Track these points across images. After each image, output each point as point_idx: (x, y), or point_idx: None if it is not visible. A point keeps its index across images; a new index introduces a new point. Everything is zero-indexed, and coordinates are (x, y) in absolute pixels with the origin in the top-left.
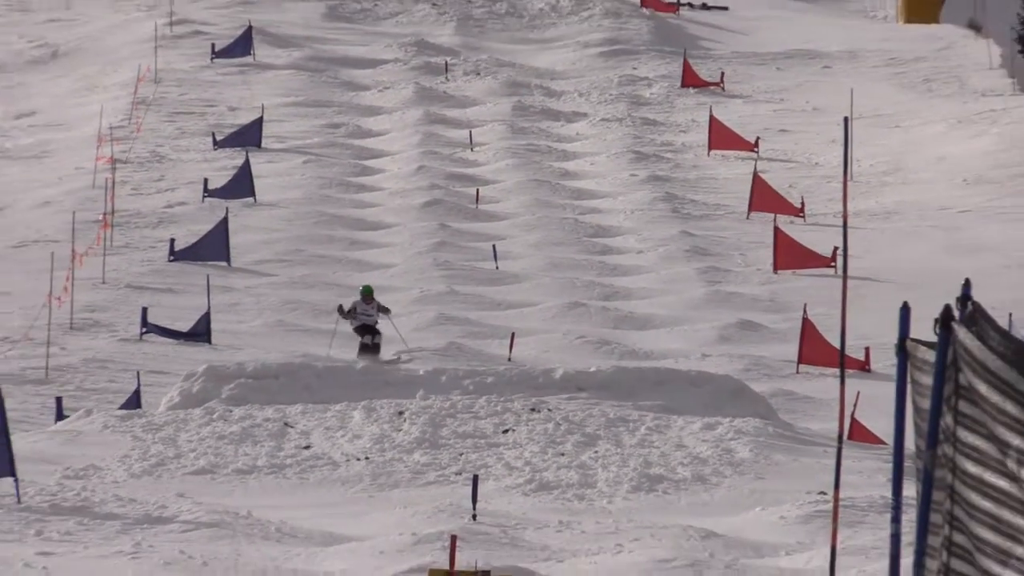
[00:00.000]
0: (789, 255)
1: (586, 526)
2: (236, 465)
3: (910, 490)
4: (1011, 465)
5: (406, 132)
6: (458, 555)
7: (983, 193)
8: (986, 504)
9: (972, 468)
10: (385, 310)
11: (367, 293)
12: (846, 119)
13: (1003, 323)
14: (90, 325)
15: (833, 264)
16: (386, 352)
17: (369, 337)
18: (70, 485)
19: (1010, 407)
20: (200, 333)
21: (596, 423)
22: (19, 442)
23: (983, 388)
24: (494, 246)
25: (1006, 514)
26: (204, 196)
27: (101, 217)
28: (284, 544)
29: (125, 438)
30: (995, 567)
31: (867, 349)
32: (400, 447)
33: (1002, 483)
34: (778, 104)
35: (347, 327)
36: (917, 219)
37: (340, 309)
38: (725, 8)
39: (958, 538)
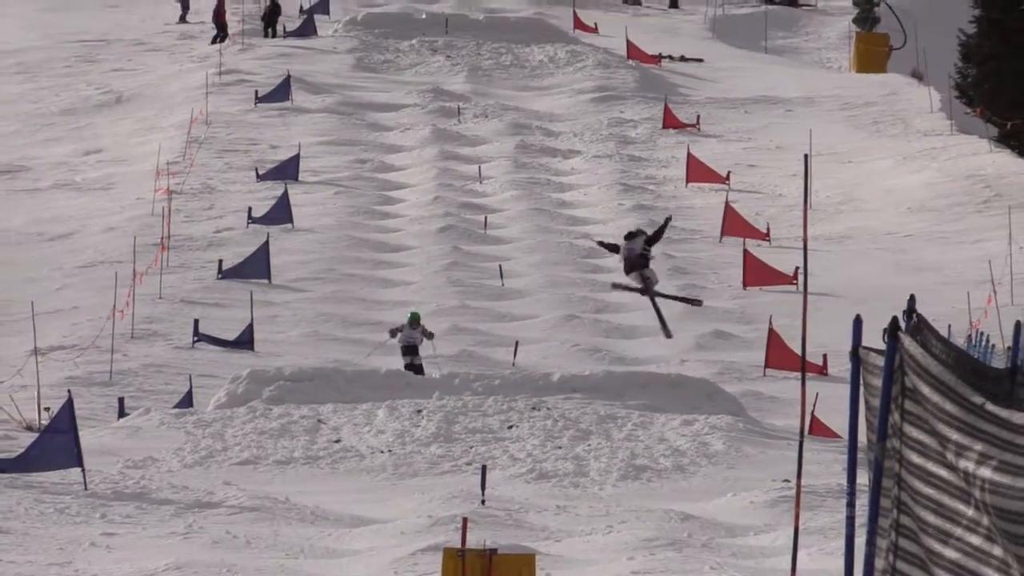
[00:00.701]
0: (756, 274)
1: (580, 510)
2: (275, 457)
3: (863, 478)
4: (950, 457)
5: (424, 167)
6: (469, 535)
7: (925, 220)
8: (929, 491)
9: (916, 459)
10: (429, 335)
11: (414, 319)
12: (806, 156)
13: (943, 334)
14: (149, 335)
15: (795, 282)
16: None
17: (409, 358)
18: (130, 474)
19: (949, 406)
20: (244, 342)
21: (589, 420)
22: (86, 437)
23: (926, 390)
24: (500, 266)
25: (946, 499)
26: (248, 223)
27: (159, 241)
28: (317, 525)
29: (179, 433)
30: (936, 546)
31: (825, 355)
32: (418, 441)
33: (943, 472)
34: (746, 143)
35: (393, 343)
36: (868, 242)
37: (390, 331)
38: (700, 60)
39: (905, 520)
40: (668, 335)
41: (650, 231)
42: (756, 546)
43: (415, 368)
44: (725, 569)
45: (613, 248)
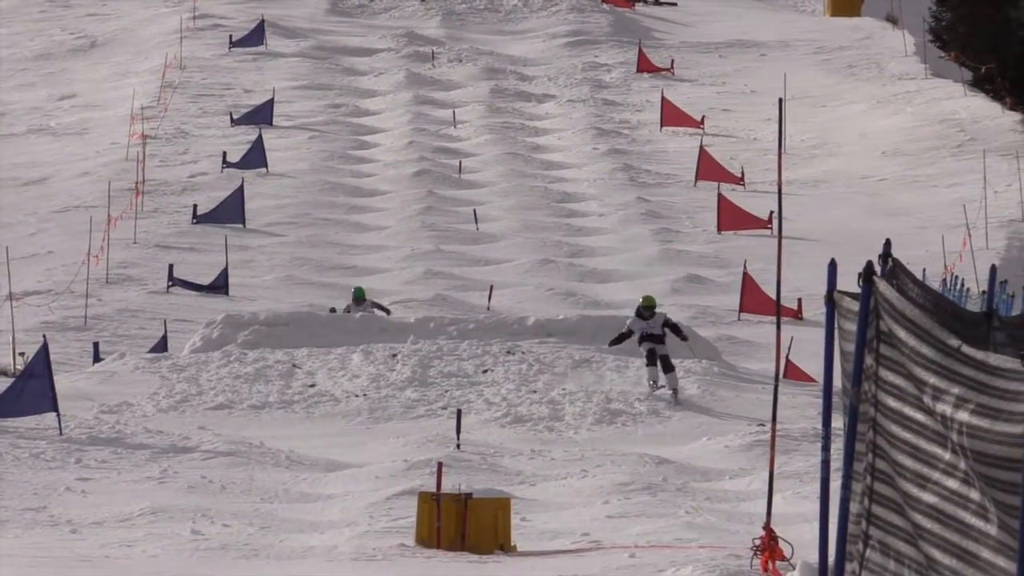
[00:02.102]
0: (731, 218)
1: (555, 454)
2: (250, 401)
3: (838, 422)
4: (927, 400)
5: (398, 112)
6: (444, 479)
7: (899, 164)
8: (906, 435)
9: (893, 403)
10: (385, 310)
11: (359, 296)
12: (780, 100)
13: (918, 278)
14: (123, 280)
15: (769, 226)
16: None
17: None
18: (105, 419)
19: (925, 350)
20: (219, 286)
21: (564, 364)
22: (61, 381)
23: (902, 333)
24: (475, 210)
25: (923, 443)
26: (223, 167)
27: (133, 186)
28: (292, 470)
29: (154, 378)
30: (914, 490)
31: (800, 300)
32: (393, 385)
33: (919, 416)
34: (721, 87)
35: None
36: (842, 187)
37: (331, 309)
38: (674, 3)
39: (880, 464)
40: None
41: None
42: (731, 490)
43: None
44: (700, 513)
45: (623, 337)
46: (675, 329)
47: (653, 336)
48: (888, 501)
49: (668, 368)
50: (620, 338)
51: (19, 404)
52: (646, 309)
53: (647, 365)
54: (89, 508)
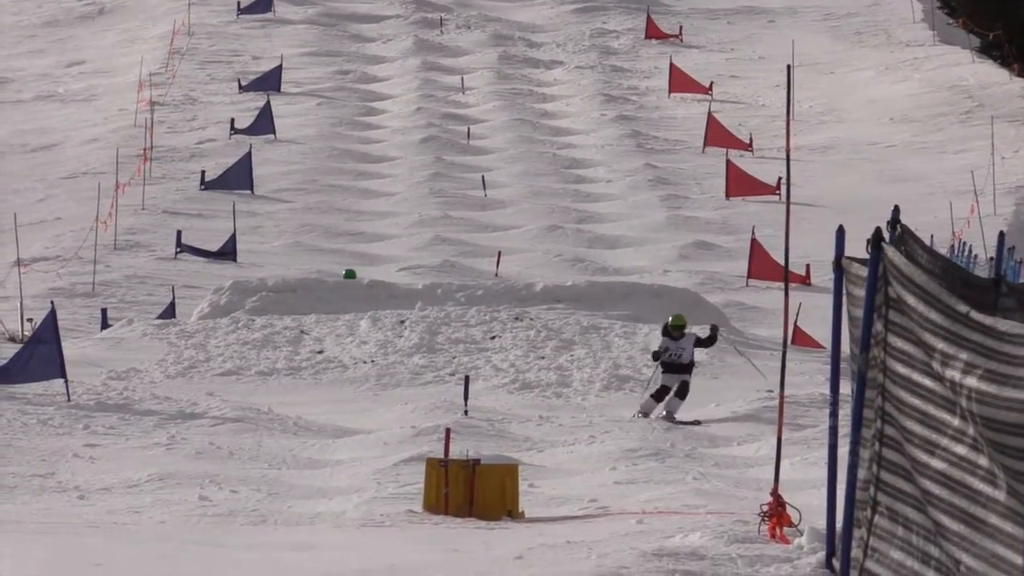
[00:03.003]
0: (739, 184)
1: (563, 420)
2: (258, 367)
3: (846, 388)
4: (936, 366)
5: (406, 78)
6: (452, 446)
7: (907, 130)
8: (914, 400)
9: (902, 369)
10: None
11: (350, 276)
12: (788, 67)
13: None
14: (131, 246)
15: (777, 192)
16: None
17: None
18: (113, 385)
19: (934, 315)
20: (227, 252)
21: (572, 330)
22: (69, 348)
23: (911, 299)
24: (483, 176)
25: (932, 409)
26: (231, 134)
27: (141, 152)
28: (300, 436)
29: (162, 344)
30: (922, 455)
31: (808, 266)
32: (401, 351)
33: (928, 382)
34: (729, 53)
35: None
36: (850, 153)
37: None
38: None
39: (889, 431)
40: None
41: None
42: (739, 456)
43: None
44: (708, 479)
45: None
46: (708, 341)
47: (678, 366)
48: (896, 467)
49: (681, 394)
50: (657, 355)
51: (27, 370)
52: (675, 329)
53: (651, 395)
54: (97, 474)
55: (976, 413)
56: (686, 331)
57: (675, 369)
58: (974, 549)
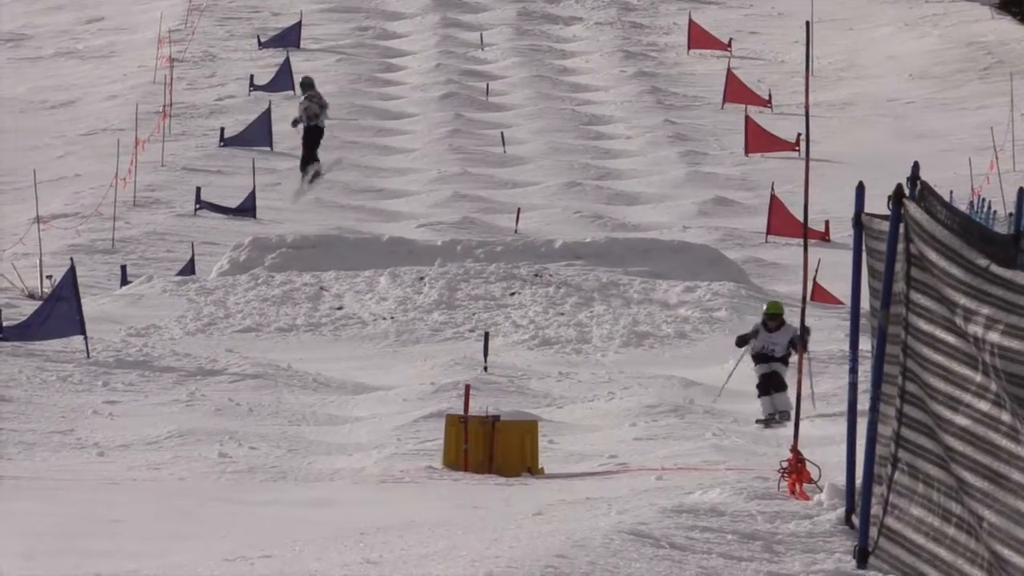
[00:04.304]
0: (758, 140)
1: (582, 376)
2: (278, 324)
3: (865, 345)
4: (958, 322)
5: (425, 35)
6: (471, 402)
7: (926, 87)
8: (937, 357)
9: (924, 326)
10: (322, 107)
11: (308, 83)
12: (807, 23)
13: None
14: (151, 202)
15: (797, 148)
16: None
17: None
18: (133, 342)
19: (956, 271)
20: (246, 209)
21: (591, 287)
22: (89, 304)
23: (932, 255)
24: (502, 133)
25: (954, 365)
26: (250, 90)
27: (160, 109)
28: (320, 393)
29: (181, 301)
30: (946, 412)
31: (827, 222)
32: (421, 308)
33: (950, 338)
34: (748, 9)
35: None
36: (869, 109)
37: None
38: None
39: (911, 387)
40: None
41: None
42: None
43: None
44: (727, 435)
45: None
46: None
47: (772, 357)
48: (918, 424)
49: (779, 387)
50: (743, 340)
51: (47, 327)
52: (771, 318)
53: (760, 396)
54: (116, 431)
55: (999, 369)
56: (784, 323)
57: (770, 360)
58: (997, 505)
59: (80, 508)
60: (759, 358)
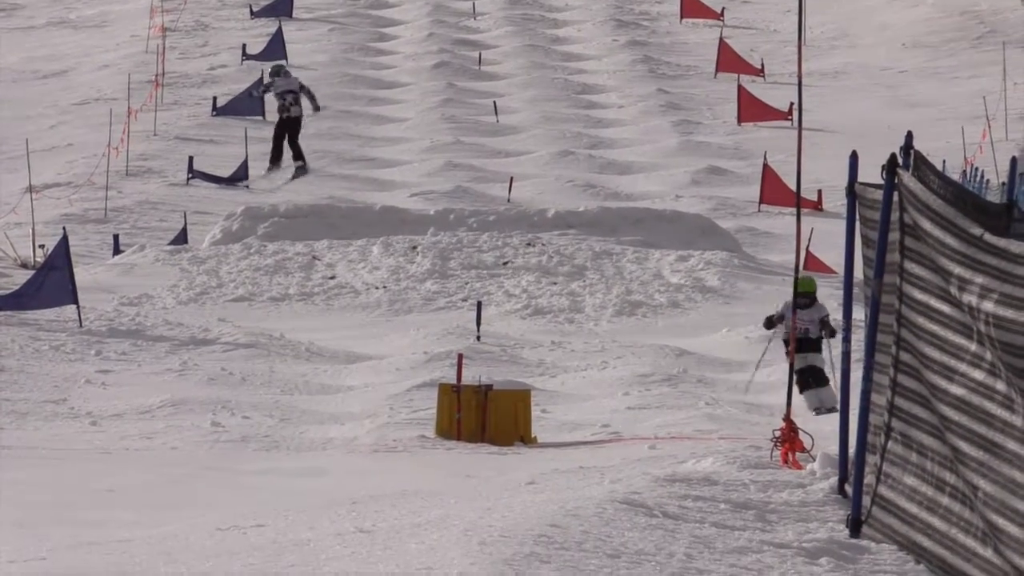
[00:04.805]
0: (751, 109)
1: (575, 346)
2: (270, 293)
3: (859, 314)
4: (953, 291)
5: (418, 4)
6: (464, 371)
7: (919, 56)
8: (932, 326)
9: (918, 295)
10: (313, 101)
11: (277, 69)
12: None
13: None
14: (143, 172)
15: (789, 117)
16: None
17: (286, 113)
18: (125, 311)
19: (950, 240)
20: (239, 178)
21: (584, 256)
22: (81, 274)
23: (927, 224)
24: (494, 102)
25: (949, 335)
26: (242, 60)
27: (153, 78)
28: (312, 362)
29: (174, 270)
30: (941, 382)
31: (820, 191)
32: (413, 277)
33: (945, 307)
34: None
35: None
36: (862, 78)
37: (263, 86)
38: None
39: (905, 357)
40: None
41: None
42: (752, 382)
43: (293, 153)
44: (720, 404)
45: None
46: (830, 332)
47: (806, 343)
48: (913, 393)
49: (821, 381)
50: (772, 322)
51: (39, 296)
52: (803, 296)
53: (802, 391)
54: (109, 400)
55: (994, 338)
56: (816, 300)
57: (802, 346)
58: (992, 475)
59: (73, 478)
60: (797, 342)
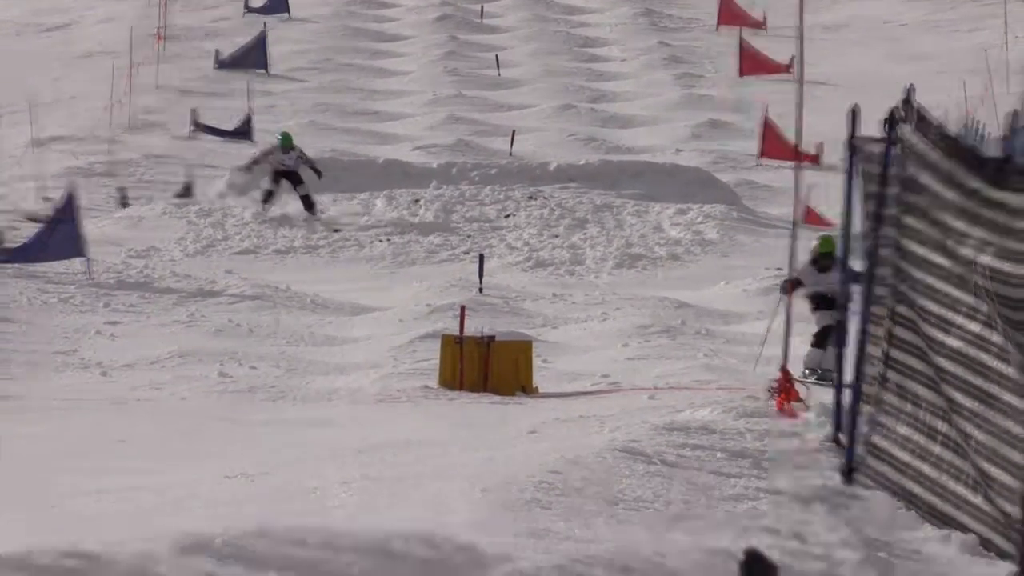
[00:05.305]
0: (752, 62)
1: (576, 298)
2: (276, 246)
3: (857, 267)
4: (951, 244)
5: None
6: (467, 322)
7: (920, 9)
8: (929, 279)
9: (916, 248)
10: (309, 161)
11: (286, 142)
12: None
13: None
14: (147, 125)
15: (791, 70)
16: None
17: (277, 185)
18: (134, 264)
19: (949, 194)
20: (243, 132)
21: (585, 209)
22: (89, 227)
23: (925, 178)
24: (496, 55)
25: (947, 287)
26: (245, 12)
27: (155, 32)
28: (318, 314)
29: (181, 223)
30: (938, 334)
31: (820, 144)
32: (416, 229)
33: (943, 261)
34: None
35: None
36: (864, 31)
37: (251, 160)
38: None
39: (901, 309)
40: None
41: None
42: (749, 332)
43: (303, 201)
44: (718, 355)
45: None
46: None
47: (828, 300)
48: (909, 345)
49: (823, 343)
50: (790, 285)
51: (48, 249)
52: (823, 256)
53: (813, 346)
54: (119, 351)
55: (990, 291)
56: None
57: (826, 303)
58: (986, 425)
59: (85, 428)
60: (817, 300)
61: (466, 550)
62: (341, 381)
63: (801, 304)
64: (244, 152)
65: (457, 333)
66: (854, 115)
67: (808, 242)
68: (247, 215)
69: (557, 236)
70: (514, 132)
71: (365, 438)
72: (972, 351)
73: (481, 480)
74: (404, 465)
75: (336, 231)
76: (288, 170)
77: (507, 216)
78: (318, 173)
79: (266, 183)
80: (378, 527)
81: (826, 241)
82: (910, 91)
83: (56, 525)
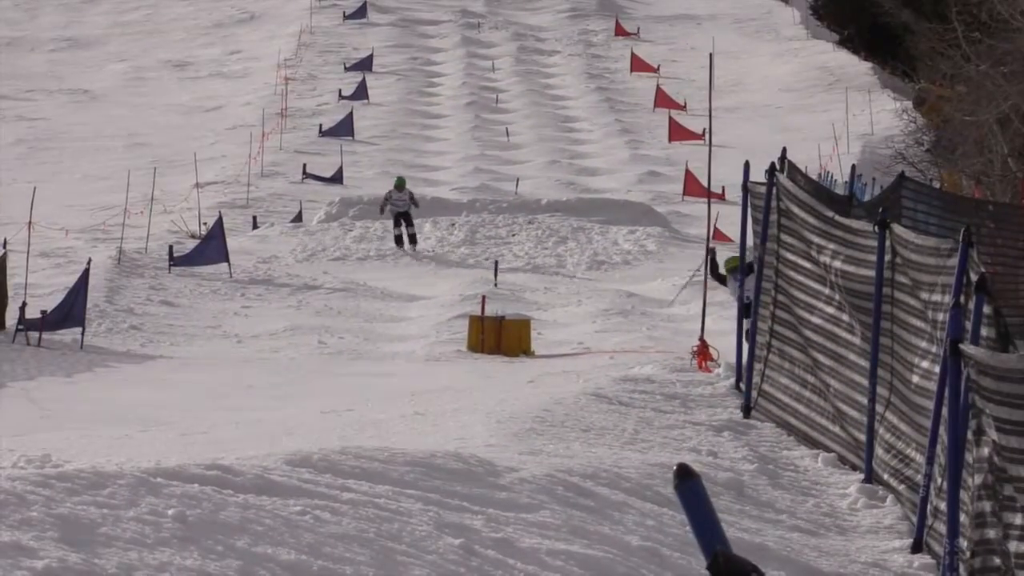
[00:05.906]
0: (678, 133)
1: (560, 290)
2: (357, 255)
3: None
4: (813, 253)
5: (455, 62)
6: (486, 307)
7: (790, 97)
8: (799, 277)
9: (790, 256)
10: (415, 202)
11: (400, 184)
12: (710, 54)
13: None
14: (273, 174)
15: (703, 138)
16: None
17: (399, 229)
18: (260, 267)
19: (811, 219)
20: (337, 178)
21: (566, 230)
22: (231, 242)
23: (795, 208)
24: (506, 128)
25: (810, 282)
26: (339, 99)
27: (280, 112)
28: (385, 301)
29: (293, 239)
30: (805, 314)
31: (723, 187)
32: (452, 244)
33: (808, 264)
34: (671, 45)
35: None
36: (752, 112)
37: (381, 205)
38: None
39: (781, 298)
40: None
41: None
42: (677, 314)
43: (409, 238)
44: (657, 329)
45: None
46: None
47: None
48: (786, 322)
49: None
50: (718, 276)
51: (203, 257)
52: (731, 271)
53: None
54: (249, 326)
55: (840, 285)
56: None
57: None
58: (839, 377)
59: (225, 377)
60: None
61: (484, 463)
62: (400, 346)
63: (719, 295)
64: (337, 191)
65: (480, 314)
66: (747, 167)
67: (718, 253)
68: (341, 232)
69: (547, 248)
70: (518, 179)
71: (416, 384)
72: (829, 326)
73: (495, 415)
74: (443, 403)
75: (414, 246)
76: (402, 212)
77: (513, 235)
78: (415, 204)
79: (395, 230)
80: (423, 447)
81: (732, 259)
82: (784, 152)
83: (204, 446)
